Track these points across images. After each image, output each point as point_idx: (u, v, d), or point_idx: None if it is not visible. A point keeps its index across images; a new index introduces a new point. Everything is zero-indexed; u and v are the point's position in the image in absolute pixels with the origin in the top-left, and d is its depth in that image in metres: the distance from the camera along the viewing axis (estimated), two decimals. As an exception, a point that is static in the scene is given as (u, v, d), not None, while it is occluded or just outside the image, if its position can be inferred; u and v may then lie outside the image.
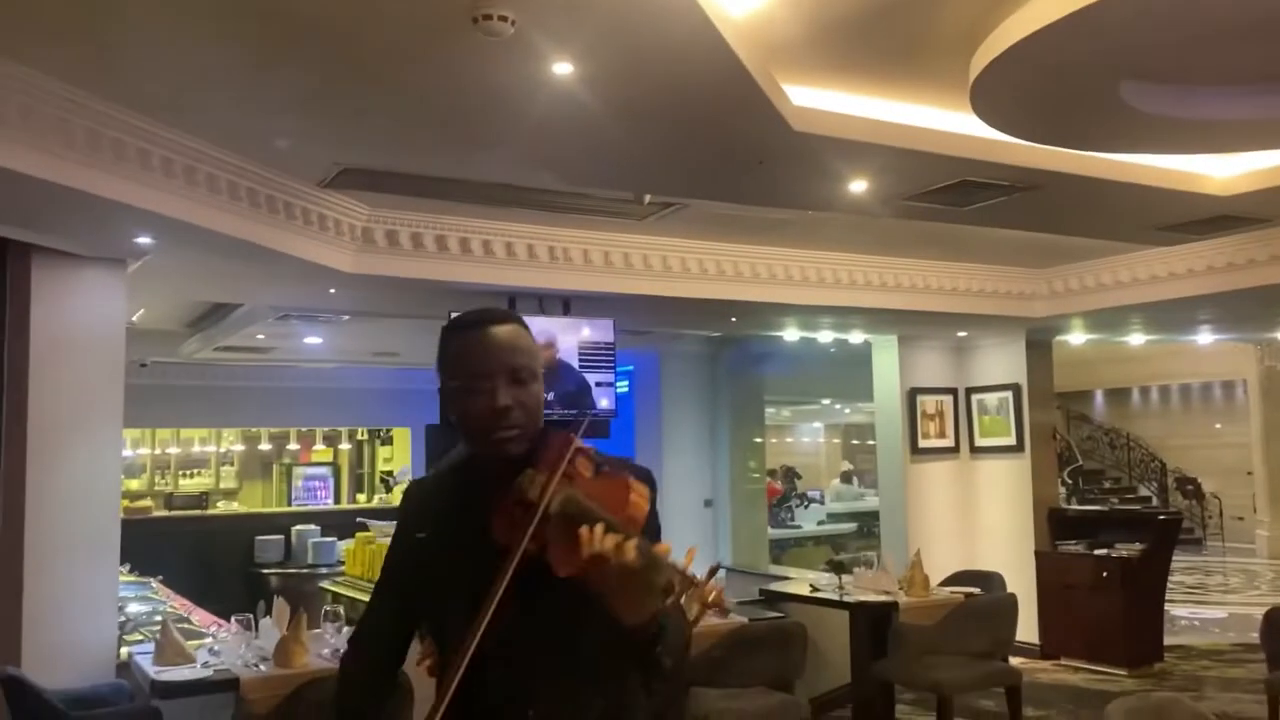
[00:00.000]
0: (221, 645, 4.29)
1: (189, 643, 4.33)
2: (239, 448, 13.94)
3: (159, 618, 5.21)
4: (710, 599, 1.43)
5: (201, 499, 11.41)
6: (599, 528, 1.44)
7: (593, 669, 1.63)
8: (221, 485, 13.88)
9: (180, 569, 7.87)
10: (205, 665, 4.01)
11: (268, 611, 4.66)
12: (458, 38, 2.79)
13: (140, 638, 4.93)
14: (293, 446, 14.02)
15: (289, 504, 13.10)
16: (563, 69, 3.05)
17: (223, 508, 11.93)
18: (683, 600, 1.44)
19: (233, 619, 4.27)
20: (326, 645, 4.20)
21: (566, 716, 1.63)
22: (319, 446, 13.96)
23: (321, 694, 3.64)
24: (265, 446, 13.90)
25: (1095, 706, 4.61)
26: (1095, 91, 3.47)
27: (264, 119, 3.73)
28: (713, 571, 1.46)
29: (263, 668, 3.97)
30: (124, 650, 4.62)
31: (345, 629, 4.40)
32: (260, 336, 8.49)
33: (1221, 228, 5.55)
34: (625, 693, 1.69)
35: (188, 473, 13.94)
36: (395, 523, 1.85)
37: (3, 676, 3.85)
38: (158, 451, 14.19)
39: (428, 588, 1.71)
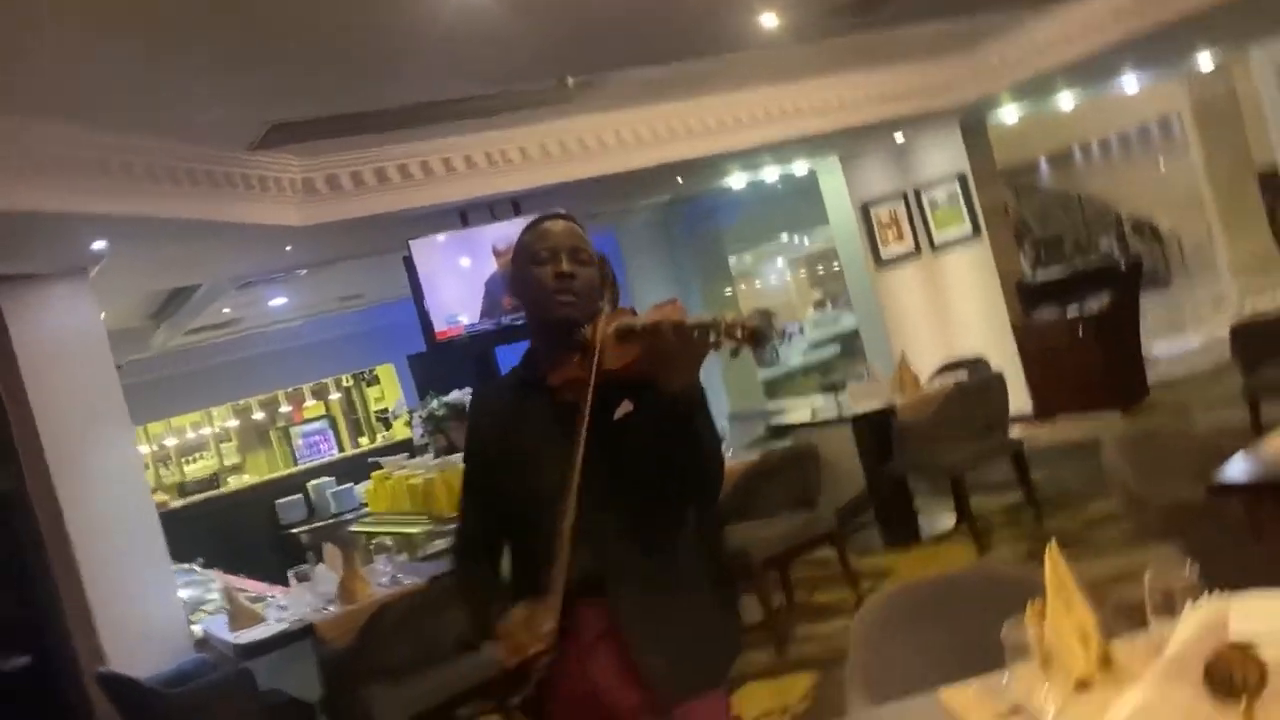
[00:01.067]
0: (286, 600, 4.52)
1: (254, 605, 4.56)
2: (233, 423, 14.05)
3: (212, 596, 5.44)
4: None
5: (213, 480, 11.60)
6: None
7: (650, 503, 1.90)
8: (226, 462, 14.04)
9: (211, 549, 8.06)
10: (278, 620, 4.25)
11: (318, 560, 4.89)
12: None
13: (203, 616, 5.16)
14: (284, 409, 14.14)
15: (295, 464, 13.30)
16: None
17: (235, 483, 12.13)
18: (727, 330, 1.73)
19: (290, 574, 4.49)
20: (384, 575, 4.45)
21: (630, 541, 1.90)
22: (310, 403, 14.07)
23: (398, 612, 3.90)
24: (259, 416, 14.01)
25: (1095, 453, 4.92)
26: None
27: (183, 97, 3.76)
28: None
29: (331, 609, 4.21)
30: (195, 628, 4.87)
31: (398, 557, 4.66)
32: (226, 310, 8.55)
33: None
34: (674, 524, 1.97)
35: (190, 459, 14.07)
36: (467, 431, 2.13)
37: (97, 676, 4.10)
38: (154, 447, 14.28)
39: (509, 470, 1.95)
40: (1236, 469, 3.00)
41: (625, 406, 1.91)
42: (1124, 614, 2.03)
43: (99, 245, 4.40)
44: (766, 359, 12.38)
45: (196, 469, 13.91)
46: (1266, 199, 12.84)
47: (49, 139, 3.57)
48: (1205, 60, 9.20)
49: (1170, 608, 1.66)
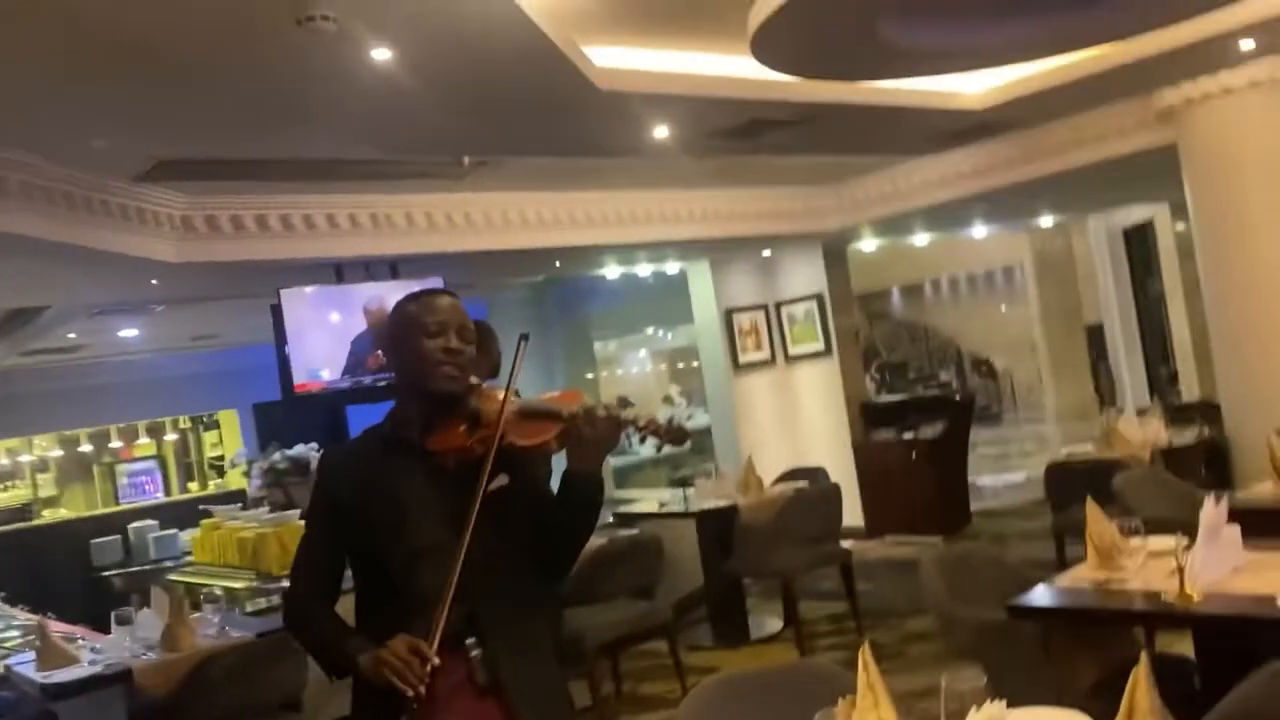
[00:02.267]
0: (103, 643, 4.33)
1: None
2: (56, 453, 13.29)
3: (12, 634, 5.15)
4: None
5: (25, 510, 10.92)
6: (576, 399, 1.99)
7: (521, 568, 2.04)
8: (41, 494, 13.23)
9: (14, 583, 7.61)
10: (92, 663, 4.07)
11: (133, 605, 4.70)
12: (280, 38, 2.94)
13: (3, 652, 4.87)
14: (115, 444, 13.48)
15: (117, 503, 12.65)
16: (381, 54, 3.24)
17: (49, 516, 11.46)
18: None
19: (113, 615, 4.32)
20: (212, 626, 4.32)
21: (504, 600, 2.02)
22: (142, 440, 13.46)
23: (225, 664, 3.82)
24: (86, 448, 13.31)
25: (917, 572, 5.24)
26: (857, 30, 3.93)
27: (78, 126, 3.74)
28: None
29: (152, 655, 4.06)
30: (-1, 665, 4.59)
31: (226, 609, 4.54)
32: (71, 335, 8.23)
33: (980, 135, 6.23)
34: (536, 591, 2.10)
35: (1, 486, 13.22)
36: (314, 486, 2.15)
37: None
38: (-39, 469, 13.35)
39: (379, 526, 2.00)
40: (1035, 596, 3.31)
41: (501, 479, 2.03)
42: (926, 720, 2.24)
43: (-43, 255, 4.26)
44: (620, 447, 12.55)
45: (6, 497, 13.06)
46: (1091, 352, 13.94)
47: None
48: (1047, 219, 10.09)
49: (961, 714, 1.88)
